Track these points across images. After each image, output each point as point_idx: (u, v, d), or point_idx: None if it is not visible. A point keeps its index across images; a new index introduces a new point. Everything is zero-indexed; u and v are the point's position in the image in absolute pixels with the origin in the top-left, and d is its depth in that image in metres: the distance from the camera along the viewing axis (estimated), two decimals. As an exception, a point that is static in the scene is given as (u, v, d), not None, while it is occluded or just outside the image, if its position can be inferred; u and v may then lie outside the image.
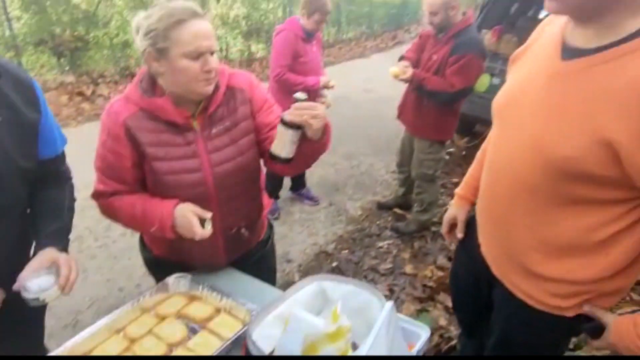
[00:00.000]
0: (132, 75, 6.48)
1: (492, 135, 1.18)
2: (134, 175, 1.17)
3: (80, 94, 5.72)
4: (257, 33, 9.04)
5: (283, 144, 1.07)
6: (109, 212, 1.22)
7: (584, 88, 0.83)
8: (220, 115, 1.18)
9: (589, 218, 0.91)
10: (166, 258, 1.33)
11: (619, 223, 0.88)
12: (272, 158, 1.10)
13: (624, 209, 0.87)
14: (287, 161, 1.09)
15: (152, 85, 1.14)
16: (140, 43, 1.07)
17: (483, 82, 3.98)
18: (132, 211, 1.16)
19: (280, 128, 1.06)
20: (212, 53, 1.07)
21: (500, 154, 1.08)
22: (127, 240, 2.70)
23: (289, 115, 1.04)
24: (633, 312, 0.95)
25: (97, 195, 1.21)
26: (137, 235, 1.41)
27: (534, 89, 0.95)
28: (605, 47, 0.81)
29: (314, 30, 2.71)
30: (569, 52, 0.88)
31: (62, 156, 1.18)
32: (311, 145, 1.11)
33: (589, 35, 0.84)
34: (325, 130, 1.09)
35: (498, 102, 1.11)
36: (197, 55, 1.04)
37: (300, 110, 1.03)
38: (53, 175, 1.16)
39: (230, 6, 8.75)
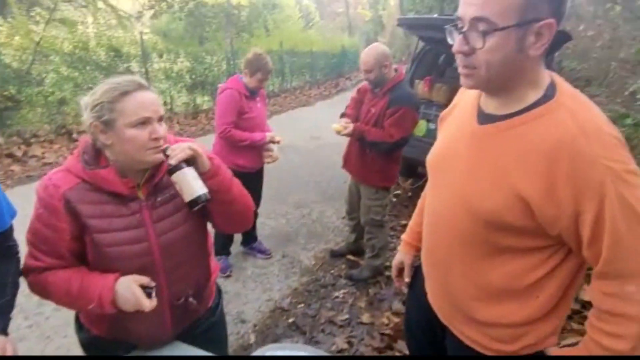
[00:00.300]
0: (69, 134, 6.23)
1: (428, 187, 1.26)
2: (72, 249, 1.11)
3: (10, 155, 5.39)
4: (202, 86, 9.12)
5: (189, 186, 1.08)
6: (40, 289, 1.13)
7: (497, 149, 0.93)
8: (166, 183, 1.17)
9: (516, 265, 0.98)
10: (106, 337, 1.24)
11: (543, 268, 0.96)
12: (194, 205, 1.09)
13: (544, 256, 0.95)
14: (207, 198, 1.09)
15: (95, 156, 1.12)
16: (87, 118, 1.08)
17: (421, 127, 4.25)
18: (68, 287, 1.09)
19: (176, 176, 1.07)
20: (159, 121, 1.10)
21: (435, 206, 1.15)
22: (63, 316, 2.47)
23: (173, 159, 1.06)
24: (577, 343, 1.01)
25: (27, 271, 1.13)
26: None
27: (457, 148, 1.04)
28: (511, 114, 0.92)
29: (257, 87, 2.78)
30: (483, 118, 0.99)
31: (9, 230, 1.11)
32: (210, 177, 1.13)
33: (498, 103, 0.96)
34: (210, 160, 1.14)
35: (430, 159, 1.19)
36: (144, 123, 1.06)
37: (176, 150, 1.07)
38: None
39: (173, 61, 8.82)
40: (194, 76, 9.00)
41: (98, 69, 7.11)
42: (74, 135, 6.24)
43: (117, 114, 1.05)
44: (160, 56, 8.64)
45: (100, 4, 12.17)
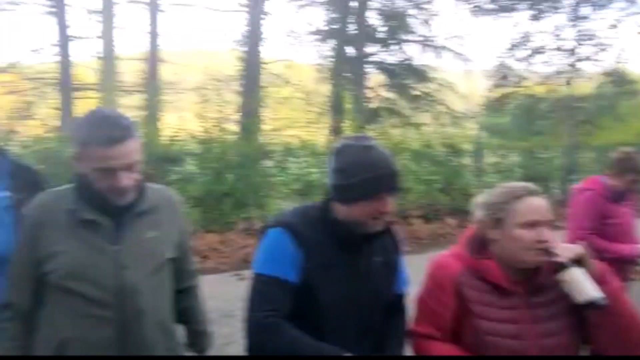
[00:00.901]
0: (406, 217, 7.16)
1: None
2: (450, 326, 1.21)
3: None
4: (535, 181, 8.74)
5: (582, 287, 1.05)
6: (423, 353, 1.24)
7: None
8: (546, 284, 1.17)
9: None
10: None
11: None
12: (588, 308, 1.06)
13: None
14: (605, 303, 1.04)
15: (481, 248, 1.24)
16: (479, 213, 1.24)
17: None
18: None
19: (567, 275, 1.07)
20: (547, 226, 1.15)
21: None
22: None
23: (563, 258, 1.07)
24: None
25: (412, 334, 1.28)
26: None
27: None
28: None
29: (625, 190, 2.42)
30: None
31: (405, 295, 1.37)
32: (598, 282, 1.07)
33: None
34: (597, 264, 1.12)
35: None
36: (532, 225, 1.13)
37: (565, 249, 1.10)
38: None
39: (504, 155, 8.93)
40: (525, 171, 8.75)
41: (434, 164, 7.99)
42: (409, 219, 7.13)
43: (508, 214, 1.15)
44: (492, 151, 8.93)
45: (440, 107, 13.92)
